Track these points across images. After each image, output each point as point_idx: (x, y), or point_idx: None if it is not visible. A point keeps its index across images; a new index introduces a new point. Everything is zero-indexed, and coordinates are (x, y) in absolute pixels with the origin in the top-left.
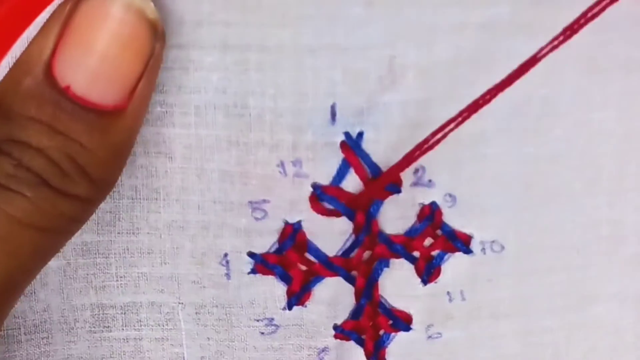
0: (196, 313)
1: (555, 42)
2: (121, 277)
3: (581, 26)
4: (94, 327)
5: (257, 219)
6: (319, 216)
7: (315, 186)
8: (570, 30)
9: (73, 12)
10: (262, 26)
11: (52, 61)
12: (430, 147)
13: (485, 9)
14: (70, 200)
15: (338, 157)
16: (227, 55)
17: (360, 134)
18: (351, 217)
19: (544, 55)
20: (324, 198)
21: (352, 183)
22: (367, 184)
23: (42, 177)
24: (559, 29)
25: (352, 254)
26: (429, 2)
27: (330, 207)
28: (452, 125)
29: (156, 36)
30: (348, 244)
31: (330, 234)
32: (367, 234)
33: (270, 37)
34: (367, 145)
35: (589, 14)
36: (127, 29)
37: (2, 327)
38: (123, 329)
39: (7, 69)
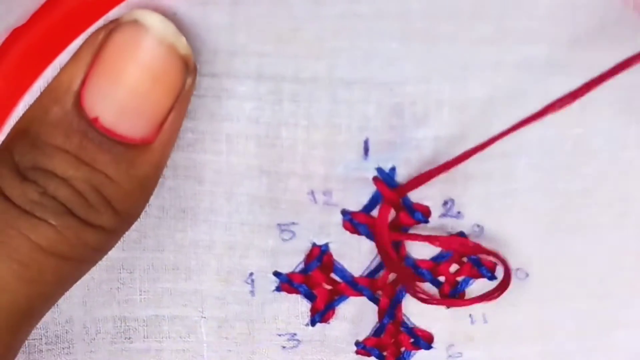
0: (219, 327)
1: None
2: (145, 291)
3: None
4: (116, 338)
5: (284, 240)
6: (347, 238)
7: (344, 212)
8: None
9: (105, 43)
10: (297, 58)
11: (81, 91)
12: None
13: (522, 48)
14: (94, 230)
15: (369, 190)
16: (261, 85)
17: (393, 169)
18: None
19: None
20: (353, 224)
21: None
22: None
23: (66, 206)
24: (595, 71)
25: (378, 275)
26: (466, 39)
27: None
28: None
29: (187, 71)
30: (374, 265)
31: (357, 255)
32: None
33: (304, 69)
34: (399, 180)
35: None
36: (158, 63)
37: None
38: (144, 341)
39: (39, 93)
